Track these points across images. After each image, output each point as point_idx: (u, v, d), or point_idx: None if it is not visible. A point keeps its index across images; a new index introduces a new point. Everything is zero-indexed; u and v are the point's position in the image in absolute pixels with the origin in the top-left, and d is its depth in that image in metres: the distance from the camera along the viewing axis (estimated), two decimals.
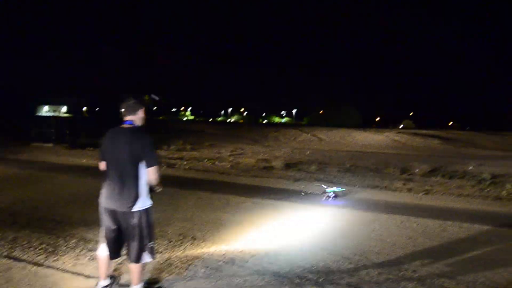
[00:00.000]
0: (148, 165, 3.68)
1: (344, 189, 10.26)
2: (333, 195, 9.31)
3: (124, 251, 3.99)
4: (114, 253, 3.94)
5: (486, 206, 9.04)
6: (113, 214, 3.79)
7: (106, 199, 3.81)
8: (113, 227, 3.83)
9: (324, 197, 9.20)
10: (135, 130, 3.78)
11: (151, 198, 3.86)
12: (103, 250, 3.95)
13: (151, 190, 3.84)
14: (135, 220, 3.73)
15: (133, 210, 3.71)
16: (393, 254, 5.55)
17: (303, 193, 9.78)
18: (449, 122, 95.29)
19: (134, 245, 3.77)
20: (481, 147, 29.48)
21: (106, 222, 3.86)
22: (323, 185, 10.17)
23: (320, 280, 4.51)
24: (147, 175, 3.71)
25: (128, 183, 3.70)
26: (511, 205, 9.11)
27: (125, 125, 3.80)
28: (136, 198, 3.71)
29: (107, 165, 3.83)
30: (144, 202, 3.76)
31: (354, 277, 4.63)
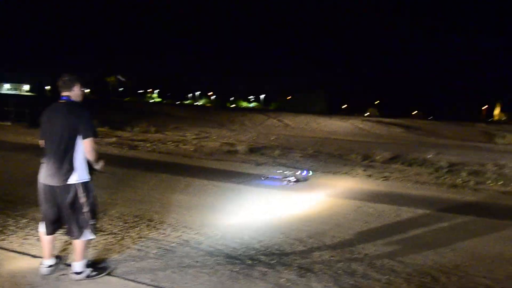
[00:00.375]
0: (84, 136, 3.66)
1: (311, 173, 10.44)
2: (294, 179, 9.38)
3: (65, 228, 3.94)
4: (52, 230, 3.89)
5: (441, 193, 9.29)
6: (51, 190, 3.73)
7: (44, 175, 3.76)
8: (51, 203, 3.78)
9: (285, 182, 9.27)
10: (70, 104, 3.77)
11: (90, 174, 3.80)
12: (44, 229, 3.89)
13: (91, 167, 3.79)
14: (73, 195, 3.68)
15: (69, 183, 3.66)
16: (347, 237, 5.64)
17: (263, 178, 9.82)
18: (413, 111, 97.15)
19: (74, 222, 3.73)
20: (442, 136, 30.24)
21: (44, 199, 3.80)
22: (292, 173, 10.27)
23: (272, 262, 4.54)
24: (84, 147, 3.68)
25: (64, 157, 3.66)
26: (465, 192, 9.39)
27: (61, 101, 3.78)
28: (71, 171, 3.67)
29: (45, 142, 3.80)
30: (81, 176, 3.71)
31: (307, 259, 4.69)
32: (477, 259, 5.02)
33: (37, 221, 5.40)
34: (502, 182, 10.81)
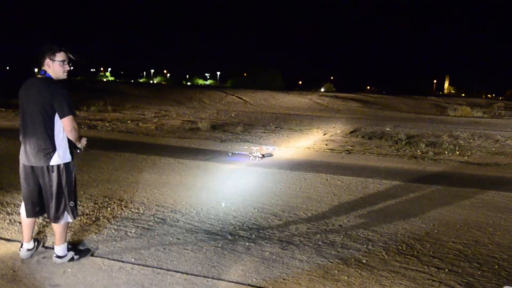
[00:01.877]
0: (61, 116, 3.45)
1: (276, 148, 10.55)
2: (260, 155, 9.41)
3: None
4: (34, 213, 3.71)
5: (403, 164, 9.57)
6: (31, 171, 3.56)
7: (24, 155, 3.56)
8: (32, 185, 3.60)
9: (251, 157, 9.28)
10: (45, 80, 3.50)
11: (71, 154, 3.65)
12: (25, 211, 3.71)
13: (74, 147, 3.65)
14: (54, 176, 3.51)
15: (51, 164, 3.50)
16: (320, 210, 5.73)
17: (230, 154, 9.80)
18: (367, 87, 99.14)
19: (54, 204, 3.56)
20: (397, 110, 30.99)
21: (25, 180, 3.62)
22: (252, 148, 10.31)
23: (253, 236, 4.56)
24: (63, 126, 3.49)
25: (44, 137, 3.46)
26: (425, 163, 9.71)
27: (39, 75, 3.53)
28: (52, 151, 3.49)
29: (23, 119, 3.55)
30: (62, 157, 3.54)
31: (285, 233, 4.74)
32: (445, 226, 5.22)
33: (3, 205, 5.23)
34: (458, 152, 11.24)
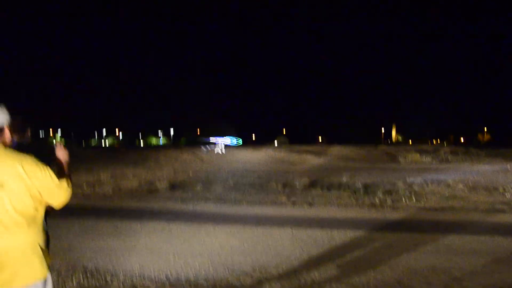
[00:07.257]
0: None
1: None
2: None
3: None
4: None
5: (364, 213, 9.76)
6: None
7: None
8: None
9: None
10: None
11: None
12: None
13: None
14: None
15: None
16: (290, 266, 5.72)
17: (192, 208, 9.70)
18: (318, 137, 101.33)
19: None
20: (350, 160, 31.81)
21: None
22: None
23: None
24: None
25: None
26: (385, 211, 9.94)
27: None
28: None
29: None
30: None
31: None
32: (414, 273, 5.32)
33: None
34: (415, 198, 11.59)
